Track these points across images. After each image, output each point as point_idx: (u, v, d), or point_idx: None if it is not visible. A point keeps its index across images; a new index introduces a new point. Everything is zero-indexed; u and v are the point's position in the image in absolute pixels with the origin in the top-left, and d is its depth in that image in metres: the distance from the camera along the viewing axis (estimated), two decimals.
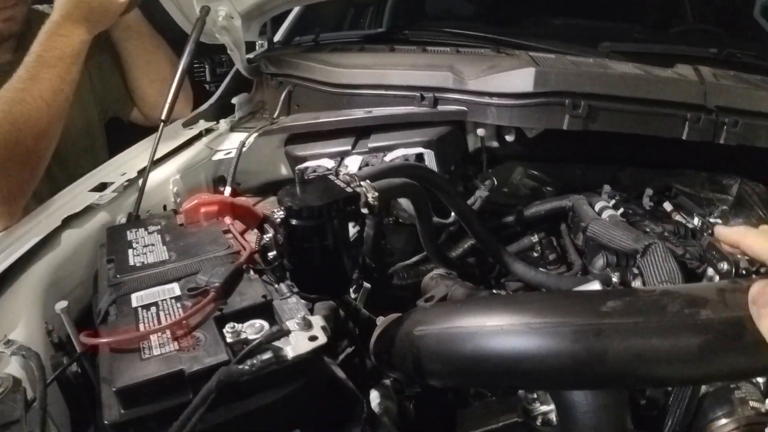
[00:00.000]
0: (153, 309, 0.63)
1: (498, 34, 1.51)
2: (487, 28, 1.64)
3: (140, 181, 1.06)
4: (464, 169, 1.27)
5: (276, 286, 0.68)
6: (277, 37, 1.80)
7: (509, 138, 1.24)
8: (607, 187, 1.20)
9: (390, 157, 1.13)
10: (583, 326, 0.56)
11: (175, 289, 0.67)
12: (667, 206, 1.16)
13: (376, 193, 0.75)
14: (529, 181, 1.31)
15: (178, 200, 1.17)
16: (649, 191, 1.20)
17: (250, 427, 0.56)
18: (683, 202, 1.19)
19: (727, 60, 1.41)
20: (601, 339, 0.55)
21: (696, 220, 1.08)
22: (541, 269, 1.10)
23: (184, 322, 0.59)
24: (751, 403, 0.73)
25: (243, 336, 0.58)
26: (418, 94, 1.19)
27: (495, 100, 1.11)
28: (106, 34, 1.42)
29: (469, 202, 1.17)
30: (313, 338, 0.57)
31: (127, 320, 0.61)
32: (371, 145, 1.16)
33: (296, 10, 1.86)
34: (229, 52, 1.48)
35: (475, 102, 1.14)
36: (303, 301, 0.65)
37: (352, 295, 0.93)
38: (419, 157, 1.12)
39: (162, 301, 0.64)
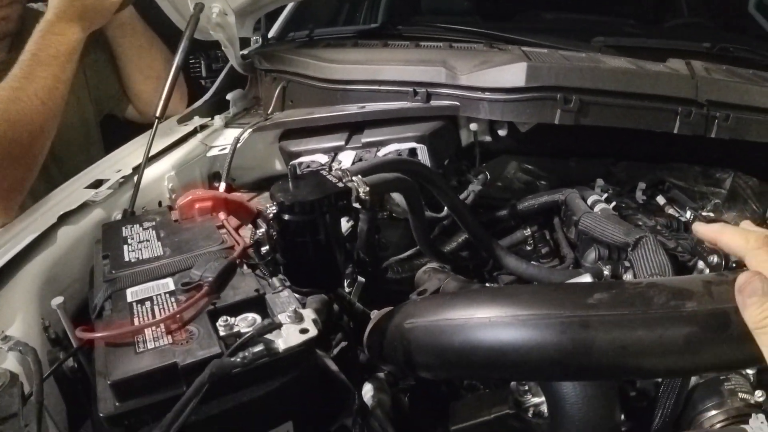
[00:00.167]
0: (147, 304, 0.64)
1: (491, 29, 1.51)
2: (480, 23, 1.65)
3: (135, 178, 1.07)
4: (457, 164, 1.27)
5: (269, 280, 0.69)
6: (271, 33, 1.80)
7: (502, 132, 1.25)
8: (600, 181, 1.21)
9: (383, 152, 1.13)
10: (569, 318, 0.56)
11: (170, 284, 0.68)
12: (660, 200, 1.17)
13: (368, 188, 0.76)
14: (523, 175, 1.32)
15: (173, 196, 1.17)
16: (642, 185, 1.21)
17: (243, 418, 0.57)
18: (676, 196, 1.20)
19: (720, 54, 1.41)
20: (587, 331, 0.55)
21: (689, 214, 1.09)
22: (533, 262, 1.11)
23: (178, 316, 0.60)
24: (741, 395, 0.74)
25: (236, 329, 0.59)
26: (411, 90, 1.19)
27: (487, 95, 1.12)
28: (100, 31, 1.42)
29: (462, 196, 1.17)
30: (304, 331, 0.58)
31: (122, 315, 0.62)
32: (365, 140, 1.17)
33: (290, 6, 1.86)
34: (223, 48, 1.48)
35: (468, 97, 1.14)
36: (295, 294, 0.66)
37: (347, 289, 0.94)
38: (412, 151, 1.12)
39: (156, 295, 0.65)
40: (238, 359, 0.54)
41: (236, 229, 0.81)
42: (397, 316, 0.70)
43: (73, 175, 1.13)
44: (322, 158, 1.17)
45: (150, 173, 1.14)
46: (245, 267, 0.70)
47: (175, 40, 1.34)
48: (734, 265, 0.85)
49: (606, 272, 0.93)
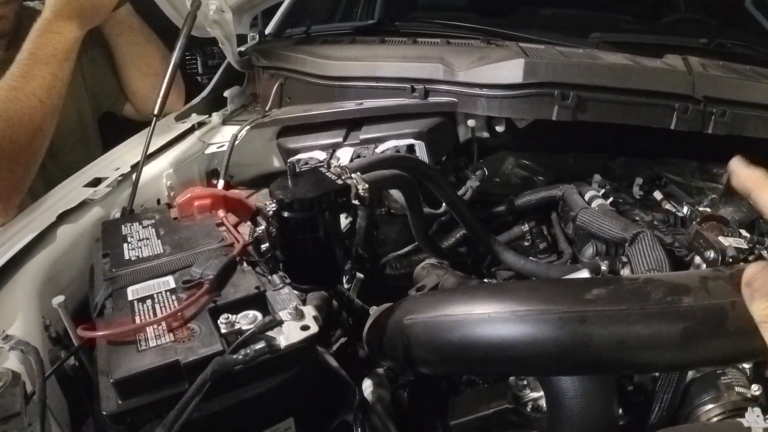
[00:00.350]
0: (148, 302, 0.64)
1: (488, 25, 1.51)
2: (477, 19, 1.65)
3: (134, 176, 1.07)
4: (455, 160, 1.28)
5: (269, 277, 0.69)
6: (268, 30, 1.79)
7: (499, 128, 1.25)
8: (597, 177, 1.21)
9: (381, 148, 1.13)
10: (567, 313, 0.57)
11: (170, 281, 0.68)
12: (657, 195, 1.17)
13: (367, 185, 0.76)
14: (520, 171, 1.32)
15: (172, 194, 1.17)
16: (639, 180, 1.21)
17: (245, 415, 0.57)
18: (673, 191, 1.20)
19: (717, 50, 1.42)
20: (584, 326, 0.56)
21: (685, 209, 1.10)
22: (531, 258, 1.12)
23: (179, 314, 0.60)
24: (737, 389, 0.74)
25: (237, 327, 0.59)
26: (408, 86, 1.19)
27: (485, 92, 1.12)
28: (97, 29, 1.42)
29: (461, 192, 1.18)
30: (305, 328, 0.59)
31: (123, 313, 0.62)
32: (363, 136, 1.17)
33: (287, 2, 1.85)
34: (220, 45, 1.48)
35: (466, 93, 1.15)
36: (295, 291, 0.67)
37: (346, 286, 0.94)
38: (410, 148, 1.13)
39: (157, 293, 0.66)
40: (240, 356, 0.54)
41: (235, 227, 0.81)
42: (397, 312, 0.71)
43: (71, 173, 1.13)
44: (321, 155, 1.17)
45: (148, 171, 1.14)
46: (245, 264, 0.71)
47: (171, 37, 1.34)
48: (731, 260, 0.86)
49: (603, 267, 0.94)
